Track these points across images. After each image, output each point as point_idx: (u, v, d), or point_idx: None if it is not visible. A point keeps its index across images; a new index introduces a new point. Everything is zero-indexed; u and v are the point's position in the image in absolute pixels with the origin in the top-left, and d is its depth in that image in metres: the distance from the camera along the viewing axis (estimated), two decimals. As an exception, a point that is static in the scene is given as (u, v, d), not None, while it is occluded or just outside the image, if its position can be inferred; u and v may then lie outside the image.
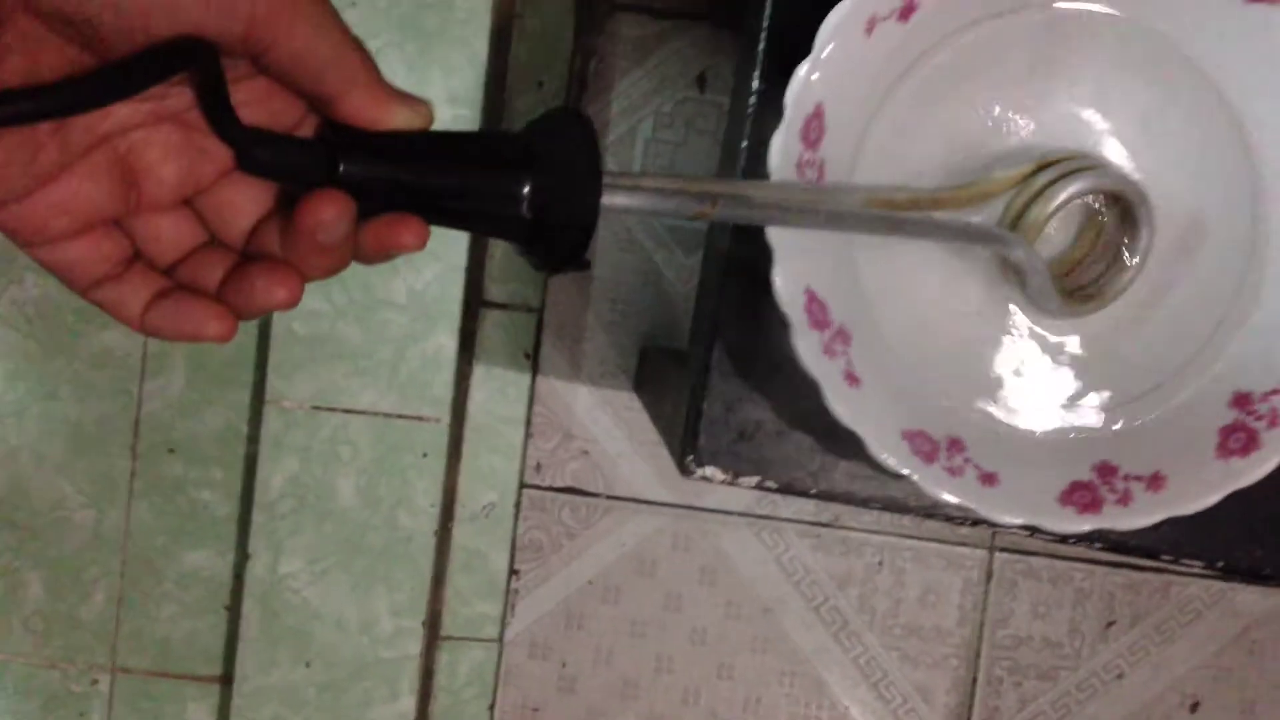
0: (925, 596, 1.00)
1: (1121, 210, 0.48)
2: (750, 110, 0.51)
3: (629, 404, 0.97)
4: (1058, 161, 0.47)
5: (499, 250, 0.95)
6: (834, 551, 0.99)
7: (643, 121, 0.95)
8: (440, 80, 0.85)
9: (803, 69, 0.43)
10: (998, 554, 1.00)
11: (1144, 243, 0.48)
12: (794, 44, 0.44)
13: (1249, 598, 1.02)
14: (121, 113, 0.30)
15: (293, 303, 0.32)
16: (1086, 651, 1.01)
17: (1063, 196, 0.46)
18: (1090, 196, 0.48)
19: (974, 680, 1.01)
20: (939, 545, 1.00)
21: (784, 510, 0.99)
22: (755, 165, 0.49)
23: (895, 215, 0.44)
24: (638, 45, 0.95)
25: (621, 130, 0.95)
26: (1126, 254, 0.48)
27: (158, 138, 0.31)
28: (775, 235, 0.44)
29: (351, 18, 0.85)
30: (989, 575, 1.00)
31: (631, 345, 0.97)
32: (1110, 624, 1.01)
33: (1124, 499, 0.46)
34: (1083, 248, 0.49)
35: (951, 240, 0.48)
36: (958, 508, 0.46)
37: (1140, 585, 1.01)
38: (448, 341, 0.88)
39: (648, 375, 0.91)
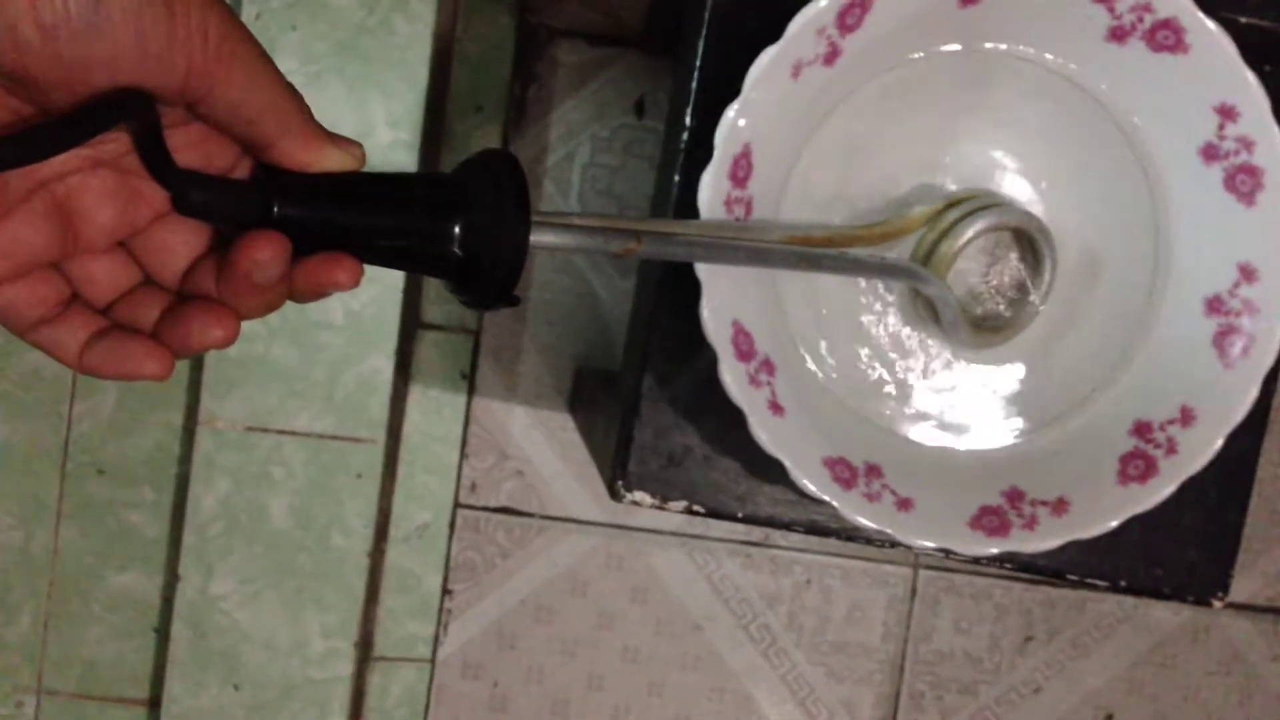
0: (851, 614, 1.02)
1: (1026, 246, 0.51)
2: (682, 146, 0.53)
3: (564, 425, 0.98)
4: (965, 200, 0.50)
5: (435, 272, 0.96)
6: (763, 570, 1.01)
7: (581, 146, 0.97)
8: (380, 104, 0.86)
9: (731, 111, 0.45)
10: (922, 571, 1.03)
11: (1047, 277, 0.51)
12: (725, 83, 0.45)
13: (1161, 614, 1.05)
14: (59, 159, 0.30)
15: (228, 341, 0.32)
16: (1006, 666, 1.04)
17: (970, 233, 0.49)
18: (997, 233, 0.51)
19: (897, 695, 1.04)
20: (865, 563, 1.02)
21: (715, 530, 1.00)
22: (687, 199, 0.51)
23: (813, 252, 0.47)
24: (576, 71, 0.96)
25: (560, 155, 0.97)
26: (1032, 287, 0.51)
27: (94, 182, 0.32)
28: (703, 269, 0.46)
29: (291, 41, 0.86)
30: (913, 592, 1.03)
31: (567, 367, 0.98)
32: (1028, 639, 1.04)
33: (1030, 523, 0.48)
34: (991, 283, 0.52)
35: (868, 276, 0.50)
36: (876, 531, 0.48)
37: (1057, 601, 1.04)
38: (384, 363, 0.89)
39: (581, 397, 0.92)
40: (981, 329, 0.51)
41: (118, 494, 0.94)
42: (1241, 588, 1.06)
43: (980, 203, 0.49)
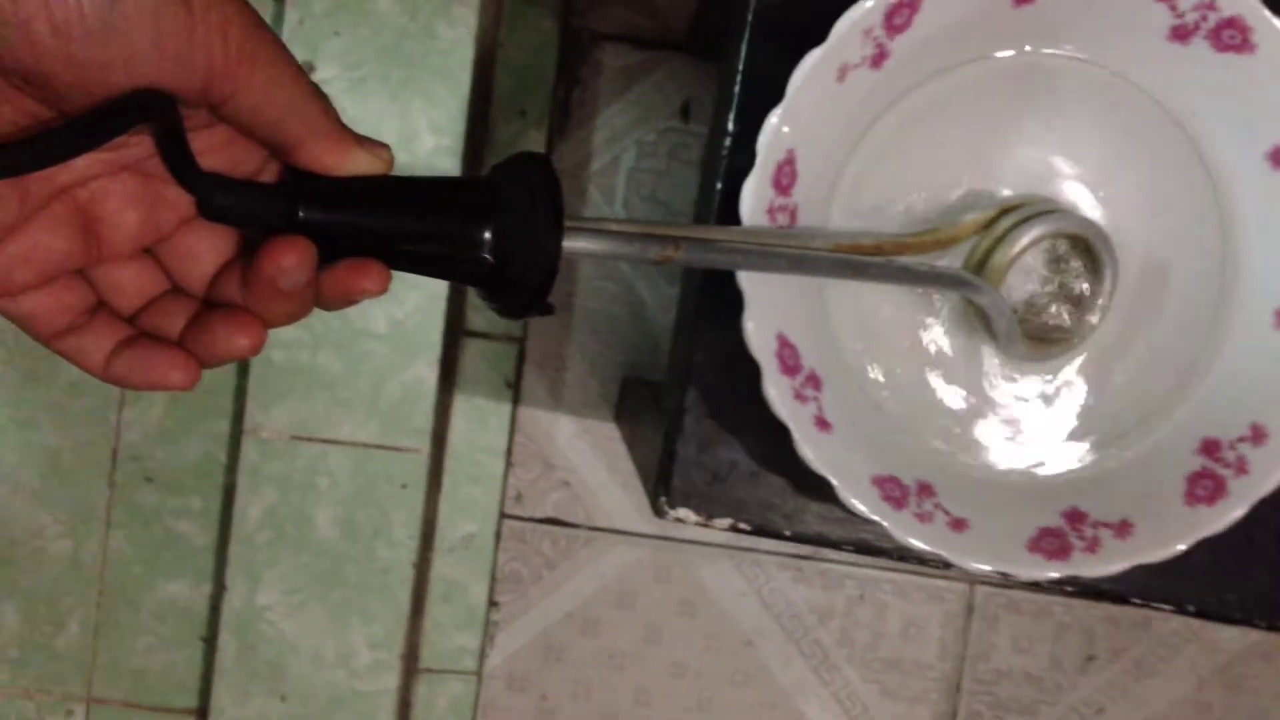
0: (906, 630, 1.00)
1: (1086, 254, 0.49)
2: (725, 152, 0.51)
3: (610, 434, 0.97)
4: (1020, 206, 0.48)
5: (481, 280, 0.95)
6: (814, 584, 0.99)
7: (626, 151, 0.96)
8: (423, 110, 0.85)
9: (774, 117, 0.44)
10: (979, 587, 1.00)
11: (1108, 286, 0.48)
12: (769, 87, 0.44)
13: (1229, 633, 1.02)
14: (81, 163, 0.30)
15: (255, 350, 0.32)
16: (1067, 685, 1.01)
17: (1025, 240, 0.46)
18: (1055, 240, 0.48)
19: (954, 714, 1.01)
20: (920, 578, 1.00)
21: (764, 543, 0.99)
22: (729, 207, 0.50)
23: (859, 259, 0.45)
24: (621, 75, 0.95)
25: (605, 160, 0.95)
26: (1092, 298, 0.49)
27: (117, 187, 0.31)
28: (746, 280, 0.44)
29: (335, 47, 0.86)
30: (970, 609, 1.00)
31: (613, 375, 0.97)
32: (1091, 658, 1.01)
33: (1092, 546, 0.46)
34: (1049, 292, 0.50)
35: (917, 284, 0.48)
36: (928, 553, 0.46)
37: (1120, 619, 1.01)
38: (428, 372, 0.88)
39: (627, 407, 0.91)
40: (1039, 341, 0.48)
41: (166, 502, 0.94)
42: (1315, 606, 1.02)
43: (1036, 209, 0.47)
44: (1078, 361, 0.50)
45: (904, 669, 1.00)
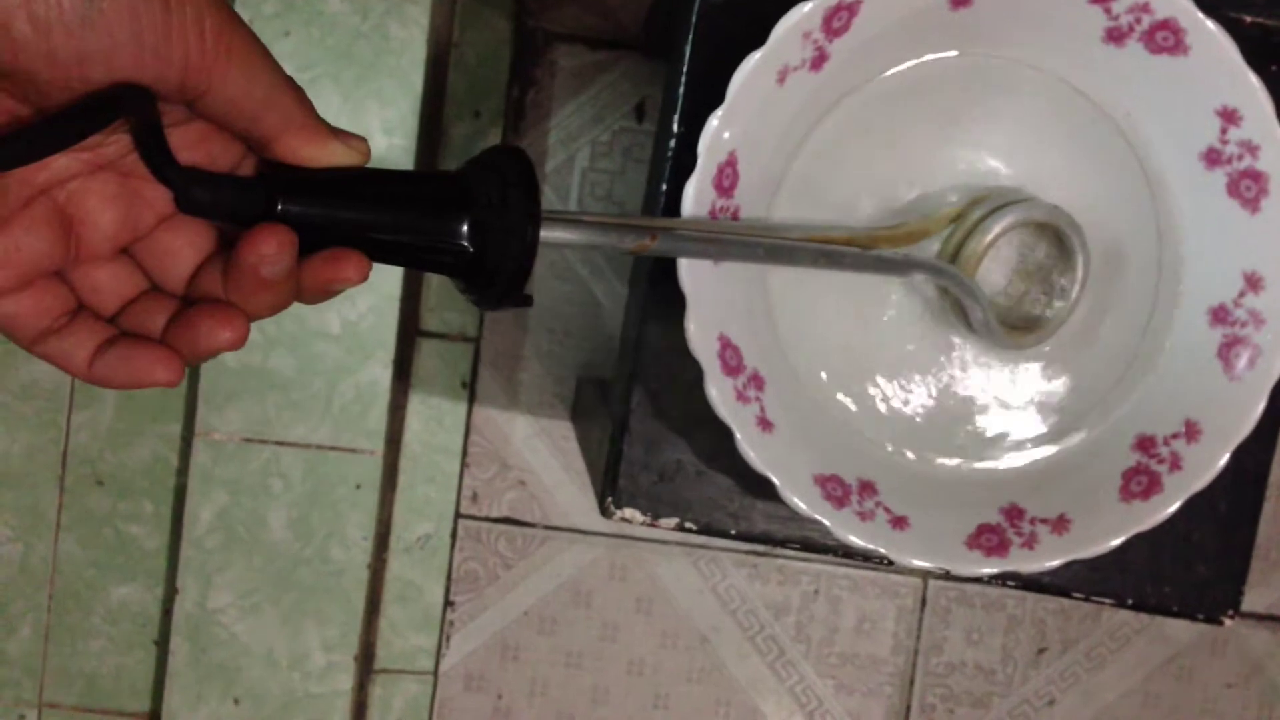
0: (861, 625, 1.00)
1: (1056, 242, 0.49)
2: (670, 154, 0.51)
3: (566, 434, 0.97)
4: (989, 196, 0.48)
5: (435, 280, 0.95)
6: (770, 581, 1.00)
7: (580, 151, 0.96)
8: (376, 110, 0.85)
9: (714, 119, 0.44)
10: (932, 581, 1.01)
11: (1080, 273, 0.49)
12: (713, 89, 0.44)
13: (1178, 626, 1.03)
14: (59, 163, 0.30)
15: (238, 343, 0.32)
16: (1019, 678, 1.02)
17: (997, 229, 0.47)
18: (1022, 231, 0.49)
19: (908, 707, 1.02)
20: (875, 573, 1.00)
21: (720, 540, 0.99)
22: (675, 207, 0.50)
23: (838, 250, 0.45)
24: (575, 75, 0.95)
25: (559, 159, 0.95)
26: (1065, 285, 0.49)
27: (95, 186, 0.31)
28: (689, 282, 0.44)
29: (286, 47, 0.85)
30: (924, 602, 1.01)
31: (569, 375, 0.97)
32: (1042, 650, 1.02)
33: (1030, 542, 0.47)
34: (1023, 281, 0.50)
35: (892, 273, 0.48)
36: (868, 550, 0.47)
37: (1071, 612, 1.02)
38: (382, 373, 0.88)
39: (581, 407, 0.91)
40: (1015, 329, 0.49)
41: (117, 505, 0.93)
42: (1261, 598, 1.03)
43: (1005, 199, 0.47)
44: (1030, 359, 0.51)
45: (859, 663, 1.01)
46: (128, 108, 0.28)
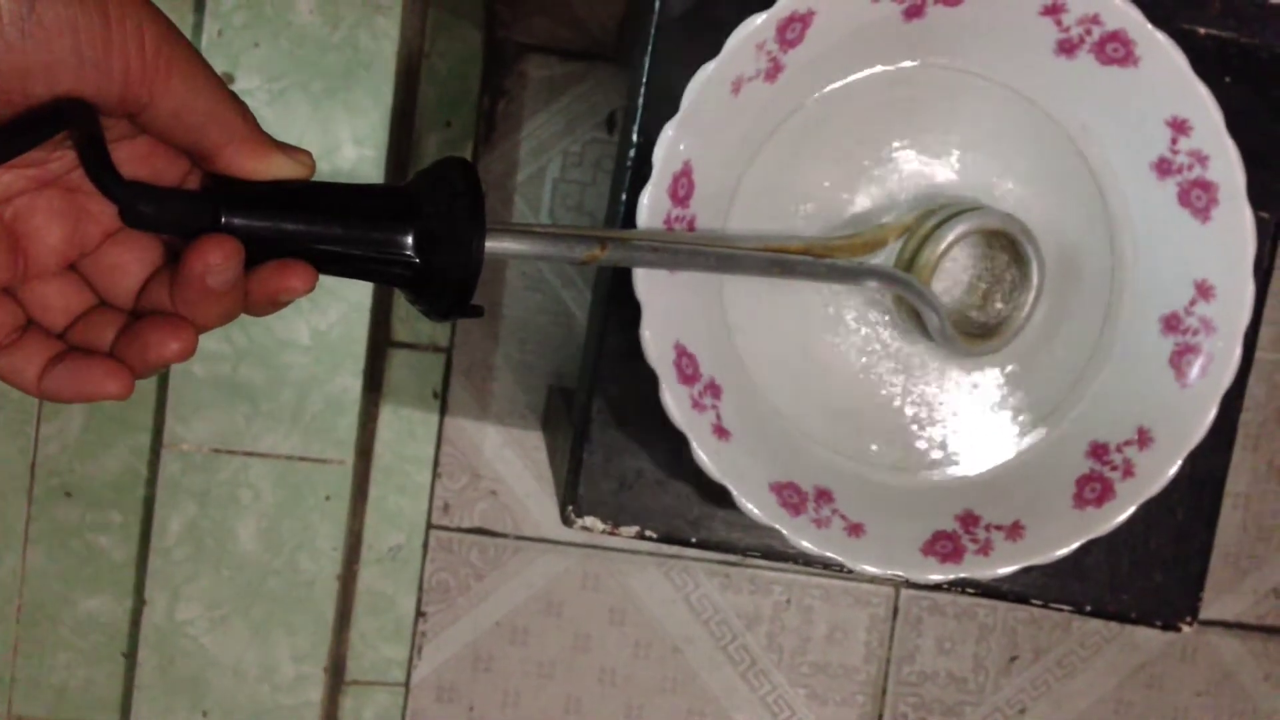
0: (833, 634, 1.01)
1: (1011, 249, 0.49)
2: (629, 163, 0.52)
3: (537, 444, 0.97)
4: (942, 206, 0.48)
5: (407, 290, 0.95)
6: (742, 590, 1.00)
7: (551, 162, 0.96)
8: (346, 121, 0.85)
9: (669, 129, 0.44)
10: (904, 590, 1.01)
11: (1035, 280, 0.49)
12: (672, 100, 0.44)
13: (1148, 634, 1.04)
14: (3, 180, 0.30)
15: (186, 354, 0.32)
16: (990, 687, 1.03)
17: (950, 237, 0.47)
18: (977, 239, 0.49)
19: (880, 716, 1.02)
20: (846, 583, 1.01)
21: (691, 549, 0.99)
22: (633, 217, 0.50)
23: (789, 258, 0.45)
24: (546, 86, 0.95)
25: (530, 170, 0.96)
26: (1019, 292, 0.49)
27: (41, 203, 0.31)
28: (644, 290, 0.44)
29: (255, 59, 0.85)
30: (895, 611, 1.01)
31: (540, 385, 0.97)
32: (1013, 659, 1.03)
33: (984, 549, 0.47)
34: (978, 288, 0.50)
35: (848, 282, 0.48)
36: (824, 558, 0.47)
37: (1042, 621, 1.02)
38: (352, 383, 0.87)
39: (550, 417, 0.91)
40: (970, 336, 0.49)
41: (86, 517, 0.93)
42: (1230, 606, 1.04)
43: (959, 207, 0.48)
44: (986, 365, 0.51)
45: (831, 672, 1.01)
46: (69, 122, 0.28)
